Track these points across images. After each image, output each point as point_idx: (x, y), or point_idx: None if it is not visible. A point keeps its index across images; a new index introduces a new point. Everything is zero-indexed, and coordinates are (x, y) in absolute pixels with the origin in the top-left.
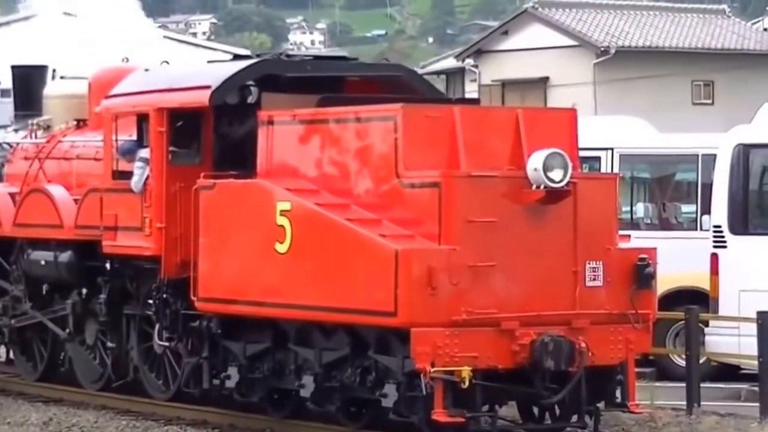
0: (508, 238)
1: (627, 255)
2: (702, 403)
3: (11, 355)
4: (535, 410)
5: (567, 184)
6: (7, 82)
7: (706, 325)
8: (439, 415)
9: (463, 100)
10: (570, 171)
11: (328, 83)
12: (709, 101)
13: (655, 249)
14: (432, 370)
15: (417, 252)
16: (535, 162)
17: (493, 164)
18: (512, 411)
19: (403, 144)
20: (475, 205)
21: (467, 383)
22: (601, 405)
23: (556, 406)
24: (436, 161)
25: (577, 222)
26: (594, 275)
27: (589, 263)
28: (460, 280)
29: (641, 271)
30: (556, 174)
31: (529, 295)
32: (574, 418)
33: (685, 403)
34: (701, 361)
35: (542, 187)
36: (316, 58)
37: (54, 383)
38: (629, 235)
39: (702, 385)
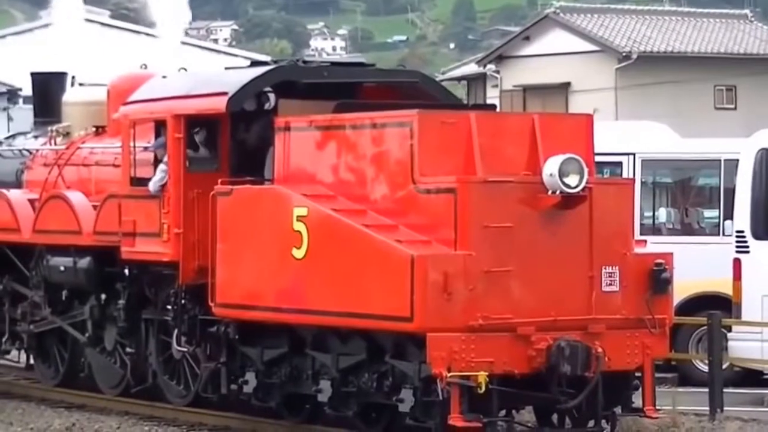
0: (523, 244)
1: (643, 260)
2: (725, 408)
3: (31, 360)
4: (553, 416)
5: (583, 190)
6: (28, 89)
7: (729, 330)
8: (456, 420)
9: (479, 106)
10: (586, 176)
11: (344, 89)
12: (732, 106)
13: (671, 254)
14: (448, 375)
15: (433, 257)
16: (550, 167)
17: (509, 170)
18: (529, 416)
19: (419, 150)
20: (491, 210)
21: (483, 388)
22: (618, 410)
23: (572, 411)
24: (451, 167)
25: (593, 227)
26: (610, 280)
27: (605, 268)
28: (476, 286)
29: (657, 276)
30: (572, 179)
31: (545, 300)
32: (591, 423)
33: (707, 408)
34: (724, 367)
35: (558, 192)
36: (333, 64)
37: (73, 389)
38: (645, 240)
39: (725, 390)
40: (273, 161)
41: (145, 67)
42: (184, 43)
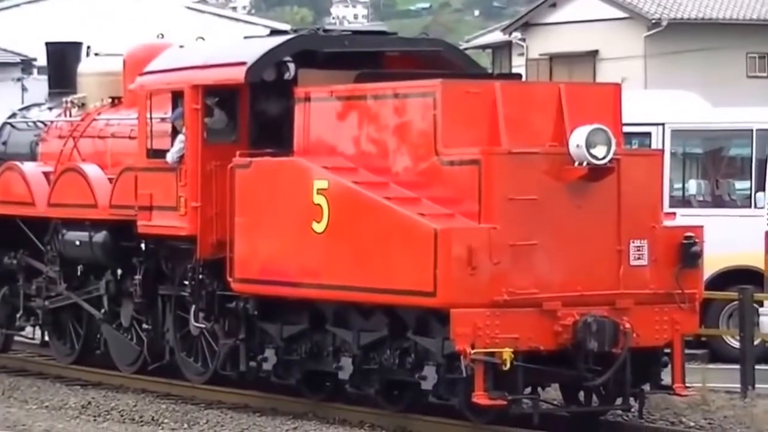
0: (550, 217)
1: (672, 233)
2: (757, 385)
3: (46, 337)
4: (580, 393)
5: (610, 161)
6: (43, 59)
7: (761, 305)
8: (480, 397)
9: (504, 76)
10: (613, 147)
11: (366, 59)
12: (764, 74)
13: (701, 227)
14: (472, 351)
15: (457, 231)
16: (577, 138)
17: (535, 141)
18: (555, 393)
19: (443, 120)
20: (516, 182)
21: (508, 365)
22: (646, 387)
23: (600, 389)
24: (476, 138)
25: (621, 199)
26: (638, 254)
27: (633, 242)
28: (500, 260)
29: (687, 250)
30: (599, 150)
31: (572, 274)
32: (619, 400)
33: (739, 385)
34: (755, 343)
35: (585, 164)
36: (354, 33)
37: (89, 366)
38: (675, 213)
39: (756, 367)
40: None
41: (162, 37)
42: (201, 11)
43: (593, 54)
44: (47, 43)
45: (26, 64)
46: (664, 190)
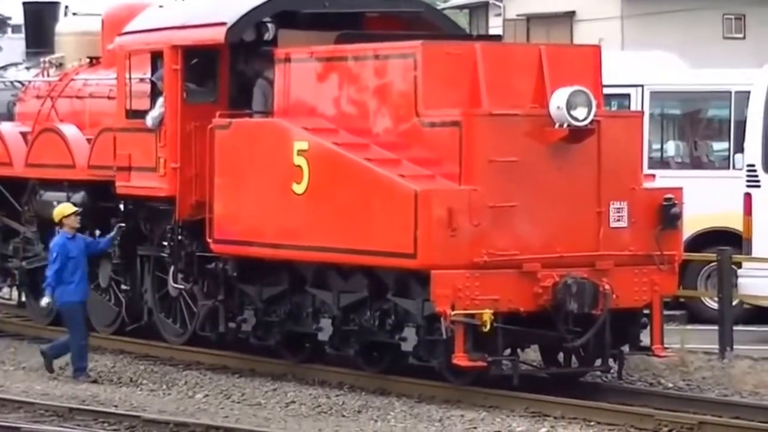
0: (530, 178)
1: (652, 195)
2: (735, 346)
3: (23, 297)
4: (559, 354)
5: (591, 123)
6: (19, 18)
7: (739, 266)
8: (460, 359)
9: (485, 37)
10: (594, 109)
11: (346, 20)
12: (741, 35)
13: (681, 189)
14: (452, 313)
15: (437, 192)
16: (558, 100)
17: (516, 102)
18: (534, 355)
19: (423, 82)
20: (497, 144)
21: (488, 327)
22: (625, 349)
23: (579, 350)
24: (456, 99)
25: (602, 161)
26: (618, 216)
27: (613, 203)
28: (481, 221)
29: (667, 212)
30: (580, 112)
31: (552, 236)
32: (598, 362)
33: (717, 346)
34: (734, 304)
35: (565, 125)
36: None
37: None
38: (654, 175)
39: (734, 328)
40: (263, 93)
41: None
42: None
43: (570, 15)
44: (24, 3)
45: (1, 23)
46: (644, 152)
